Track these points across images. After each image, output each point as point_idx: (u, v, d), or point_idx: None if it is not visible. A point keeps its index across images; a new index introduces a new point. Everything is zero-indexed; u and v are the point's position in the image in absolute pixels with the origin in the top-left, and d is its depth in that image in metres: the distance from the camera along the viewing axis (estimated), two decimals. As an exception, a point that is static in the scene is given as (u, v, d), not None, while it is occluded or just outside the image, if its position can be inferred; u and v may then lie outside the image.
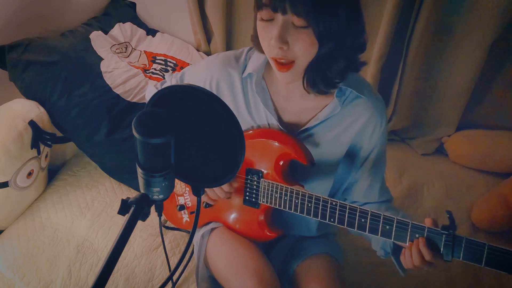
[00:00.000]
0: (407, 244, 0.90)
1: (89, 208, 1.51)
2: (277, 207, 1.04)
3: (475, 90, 1.71)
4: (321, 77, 0.92)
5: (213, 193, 1.08)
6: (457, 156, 1.83)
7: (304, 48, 0.85)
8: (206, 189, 1.08)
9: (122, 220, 0.58)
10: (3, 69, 1.51)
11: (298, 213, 1.00)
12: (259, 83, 1.03)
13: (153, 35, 1.97)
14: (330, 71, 0.91)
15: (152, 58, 1.83)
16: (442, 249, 0.86)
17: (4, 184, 1.35)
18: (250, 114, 1.07)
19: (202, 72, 1.10)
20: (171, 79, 1.21)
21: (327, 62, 0.90)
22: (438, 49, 1.68)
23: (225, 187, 1.06)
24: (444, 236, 0.85)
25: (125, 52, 1.80)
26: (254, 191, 1.07)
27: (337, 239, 1.30)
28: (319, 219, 0.97)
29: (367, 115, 1.01)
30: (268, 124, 1.06)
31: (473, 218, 1.58)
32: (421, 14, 1.57)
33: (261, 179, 1.05)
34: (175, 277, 1.29)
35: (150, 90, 1.28)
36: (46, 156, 1.50)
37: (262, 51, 0.94)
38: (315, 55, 0.87)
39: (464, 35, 1.60)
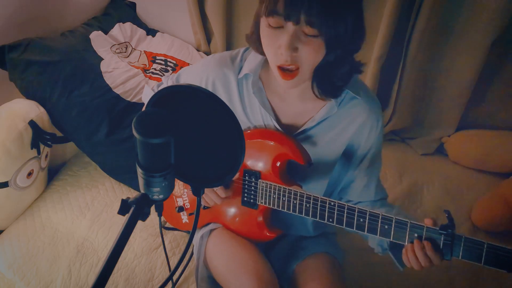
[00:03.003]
0: (406, 243, 0.90)
1: (89, 208, 1.51)
2: (275, 208, 1.04)
3: (475, 90, 1.71)
4: (329, 82, 0.94)
5: (209, 199, 1.08)
6: (457, 156, 1.83)
7: (311, 54, 0.85)
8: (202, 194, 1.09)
9: (122, 220, 0.57)
10: (3, 69, 1.51)
11: (296, 213, 1.00)
12: (256, 84, 1.02)
13: (153, 35, 1.97)
14: (335, 76, 0.93)
15: (152, 58, 1.83)
16: (441, 248, 0.86)
17: (4, 184, 1.35)
18: (246, 114, 1.07)
19: (198, 73, 1.10)
20: (167, 81, 1.22)
21: (333, 68, 0.91)
22: (438, 49, 1.68)
23: (221, 193, 1.06)
24: (443, 235, 0.85)
25: (125, 52, 1.80)
26: (252, 192, 1.07)
27: (337, 238, 1.30)
28: (317, 219, 0.97)
29: (363, 116, 1.01)
30: (264, 124, 1.06)
31: (473, 218, 1.58)
32: (421, 14, 1.57)
33: (259, 180, 1.05)
34: (175, 277, 1.29)
35: (146, 92, 1.28)
36: (46, 156, 1.50)
37: (259, 52, 0.95)
38: (320, 59, 0.88)
39: (464, 35, 1.60)
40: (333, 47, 0.85)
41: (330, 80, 0.94)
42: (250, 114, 1.07)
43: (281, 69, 0.88)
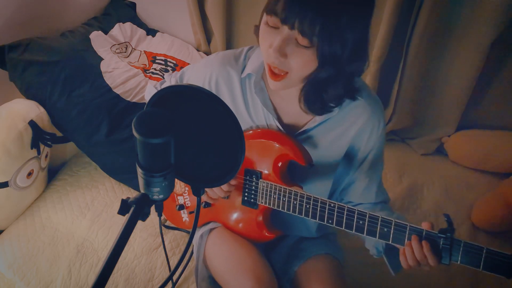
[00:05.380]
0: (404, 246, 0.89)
1: (89, 208, 1.51)
2: (275, 208, 1.04)
3: (475, 90, 1.71)
4: (318, 99, 0.94)
5: (212, 193, 1.08)
6: (457, 156, 1.83)
7: (301, 64, 0.84)
8: (206, 188, 1.09)
9: (122, 220, 0.57)
10: (3, 69, 1.51)
11: (296, 214, 1.00)
12: (258, 83, 1.02)
13: (153, 35, 1.97)
14: (327, 95, 0.92)
15: (152, 58, 1.83)
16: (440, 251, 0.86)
17: (4, 184, 1.35)
18: (249, 114, 1.07)
19: (202, 71, 1.10)
20: (170, 79, 1.21)
21: (325, 86, 0.90)
22: (438, 49, 1.68)
23: (224, 186, 1.06)
24: (442, 239, 0.85)
25: (125, 52, 1.80)
26: (253, 192, 1.07)
27: (337, 239, 1.30)
28: (317, 220, 0.97)
29: (365, 117, 1.01)
30: (267, 124, 1.06)
31: (473, 218, 1.58)
32: (421, 14, 1.57)
33: (260, 180, 1.05)
34: (175, 277, 1.29)
35: (149, 90, 1.28)
36: (46, 156, 1.50)
37: (259, 44, 0.94)
38: (310, 72, 0.86)
39: (464, 35, 1.60)
40: (327, 64, 0.83)
41: (319, 98, 0.93)
42: (253, 113, 1.07)
43: (270, 68, 0.88)
